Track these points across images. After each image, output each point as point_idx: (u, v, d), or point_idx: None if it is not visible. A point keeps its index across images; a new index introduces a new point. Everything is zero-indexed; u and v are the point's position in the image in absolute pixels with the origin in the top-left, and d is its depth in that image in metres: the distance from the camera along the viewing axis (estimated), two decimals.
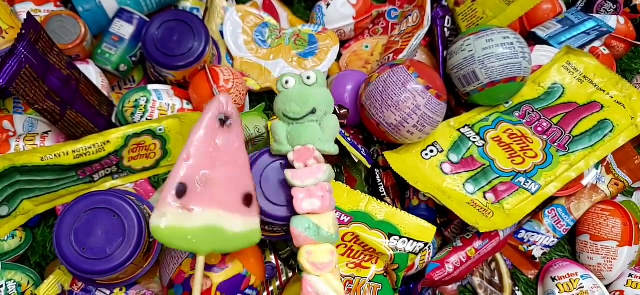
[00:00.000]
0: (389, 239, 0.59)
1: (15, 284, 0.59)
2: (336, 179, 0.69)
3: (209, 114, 0.50)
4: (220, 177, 0.49)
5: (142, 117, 0.68)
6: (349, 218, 0.59)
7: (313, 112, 0.54)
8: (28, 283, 0.60)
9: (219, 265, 0.53)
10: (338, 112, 0.63)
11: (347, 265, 0.60)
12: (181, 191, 0.47)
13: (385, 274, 0.61)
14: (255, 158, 0.56)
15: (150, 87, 0.69)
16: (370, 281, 0.59)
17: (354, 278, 0.59)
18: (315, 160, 0.52)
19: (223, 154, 0.50)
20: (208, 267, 0.53)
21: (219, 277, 0.53)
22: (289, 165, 0.54)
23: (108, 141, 0.63)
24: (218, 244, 0.48)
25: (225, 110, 0.51)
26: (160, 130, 0.66)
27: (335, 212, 0.59)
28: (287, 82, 0.55)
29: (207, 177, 0.48)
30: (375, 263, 0.60)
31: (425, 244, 0.60)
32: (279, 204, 0.54)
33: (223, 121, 0.50)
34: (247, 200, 0.50)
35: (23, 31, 0.56)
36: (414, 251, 0.60)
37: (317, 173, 0.52)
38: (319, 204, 0.50)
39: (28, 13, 0.58)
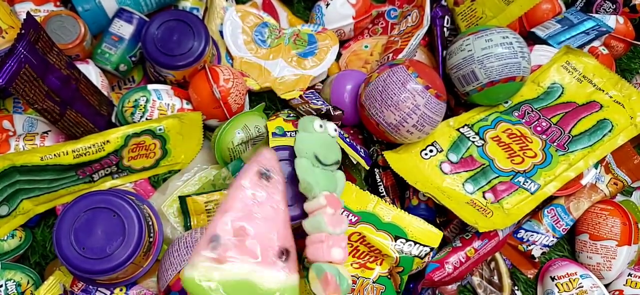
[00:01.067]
0: (396, 242, 0.59)
1: (15, 283, 0.59)
2: None
3: (252, 167, 0.50)
4: (257, 230, 0.48)
5: (141, 116, 0.68)
6: (356, 218, 0.59)
7: (337, 163, 0.57)
8: (28, 283, 0.60)
9: None
10: (333, 113, 0.63)
11: (351, 265, 0.60)
12: (216, 243, 0.46)
13: (389, 276, 0.61)
14: None
15: (150, 87, 0.69)
16: (373, 282, 0.60)
17: (357, 278, 0.59)
18: (341, 210, 0.54)
19: (262, 208, 0.49)
20: None
21: None
22: (301, 210, 0.55)
23: (108, 141, 0.63)
24: None
25: (267, 164, 0.51)
26: (160, 130, 0.66)
27: (343, 210, 0.59)
28: (321, 127, 0.57)
29: (244, 230, 0.47)
30: (380, 265, 0.60)
31: (431, 249, 0.60)
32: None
33: (265, 175, 0.50)
34: (284, 255, 0.49)
35: (22, 31, 0.56)
36: (419, 255, 0.60)
37: (343, 224, 0.53)
38: (343, 254, 0.51)
39: (28, 13, 0.58)
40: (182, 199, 0.64)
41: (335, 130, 0.59)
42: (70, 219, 0.53)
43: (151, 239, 0.58)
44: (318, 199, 0.52)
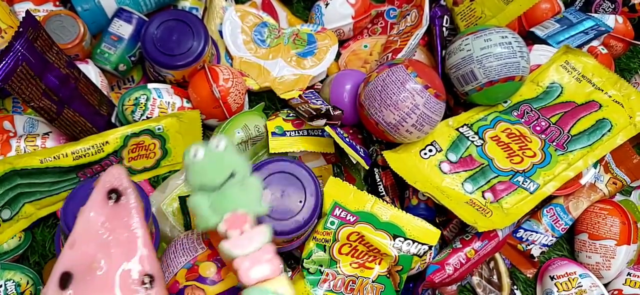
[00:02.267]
0: (394, 241, 0.59)
1: (14, 284, 0.59)
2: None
3: (95, 192, 0.46)
4: (111, 259, 0.44)
5: (142, 114, 0.68)
6: (354, 218, 0.59)
7: (232, 175, 0.50)
8: (27, 283, 0.60)
9: (213, 277, 0.53)
10: (332, 113, 0.63)
11: (350, 264, 0.60)
12: (65, 281, 0.42)
13: (388, 275, 0.61)
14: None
15: (150, 85, 0.69)
16: (373, 282, 0.60)
17: (357, 278, 0.59)
18: (249, 225, 0.49)
19: (117, 234, 0.45)
20: (202, 280, 0.53)
21: (214, 289, 0.53)
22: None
23: (107, 142, 0.63)
24: None
25: (116, 184, 0.47)
26: (158, 129, 0.66)
27: (341, 210, 0.59)
28: (195, 155, 0.50)
29: (96, 261, 0.43)
30: (379, 264, 0.60)
31: (430, 247, 0.60)
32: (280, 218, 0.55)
33: (113, 197, 0.46)
34: (146, 282, 0.45)
35: (20, 29, 0.56)
36: (418, 253, 0.60)
37: (257, 236, 0.48)
38: (268, 268, 0.47)
39: (27, 11, 0.58)
40: (182, 199, 0.64)
41: (217, 145, 0.51)
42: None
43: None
44: (219, 227, 0.49)
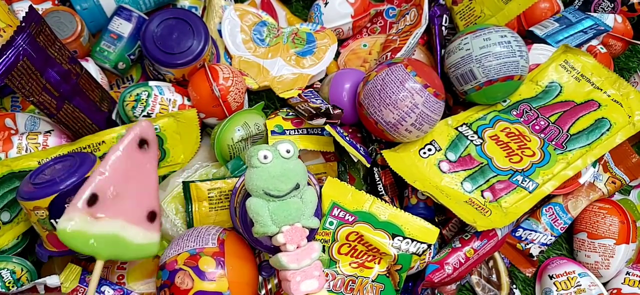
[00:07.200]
0: (393, 240, 0.59)
1: (9, 271, 0.59)
2: (339, 178, 0.70)
3: (131, 135, 0.54)
4: (129, 192, 0.53)
5: (143, 111, 0.67)
6: (353, 218, 0.59)
7: (296, 187, 0.52)
8: (22, 270, 0.60)
9: (208, 275, 0.53)
10: (332, 111, 0.63)
11: (350, 264, 0.60)
12: (92, 200, 0.50)
13: (387, 275, 0.61)
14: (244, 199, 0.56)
15: (152, 82, 0.69)
16: (372, 281, 0.60)
17: (356, 278, 0.59)
18: (305, 240, 0.51)
19: (136, 173, 0.53)
20: (198, 271, 0.53)
21: (203, 285, 0.52)
22: (273, 247, 0.53)
23: (103, 141, 0.63)
24: (118, 251, 0.51)
25: (146, 134, 0.54)
26: (155, 129, 0.66)
27: (339, 210, 0.59)
28: (266, 157, 0.51)
29: (118, 191, 0.51)
30: (378, 263, 0.60)
31: (429, 246, 0.60)
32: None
33: (142, 144, 0.54)
34: (151, 217, 0.53)
35: (23, 24, 0.56)
36: (417, 252, 0.60)
37: (311, 253, 0.51)
38: (317, 284, 0.50)
39: (30, 6, 0.57)
40: (186, 185, 0.64)
41: (288, 151, 0.52)
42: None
43: None
44: (277, 237, 0.51)
